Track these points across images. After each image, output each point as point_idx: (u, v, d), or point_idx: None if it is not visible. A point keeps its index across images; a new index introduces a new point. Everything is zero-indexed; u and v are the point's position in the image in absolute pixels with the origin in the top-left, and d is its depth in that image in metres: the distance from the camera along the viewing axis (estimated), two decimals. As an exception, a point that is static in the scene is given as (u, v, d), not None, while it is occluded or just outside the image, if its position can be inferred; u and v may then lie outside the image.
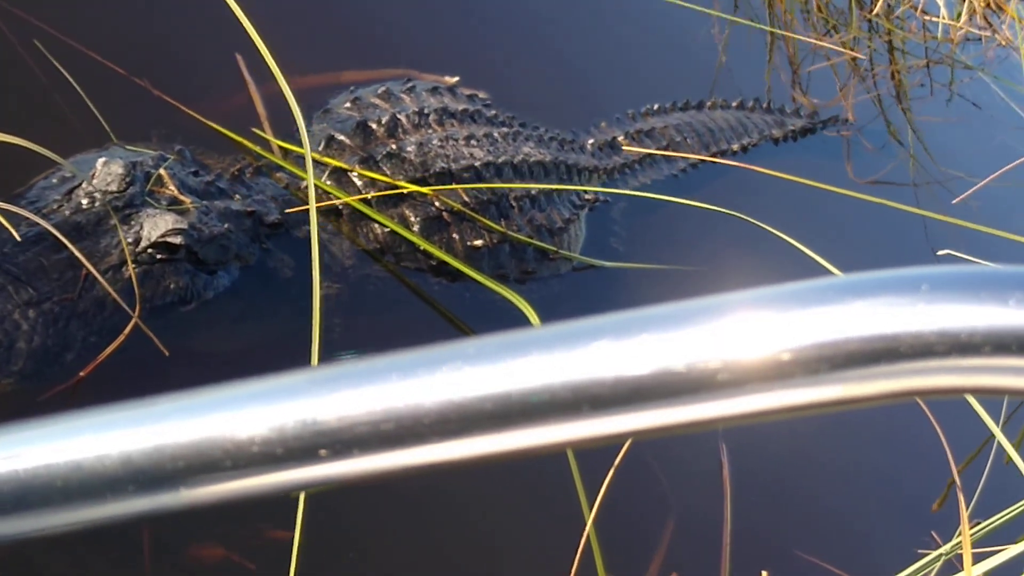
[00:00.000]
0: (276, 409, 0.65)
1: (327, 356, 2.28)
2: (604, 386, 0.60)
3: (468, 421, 0.62)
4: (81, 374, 2.37)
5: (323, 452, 0.64)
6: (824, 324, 0.59)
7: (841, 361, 0.59)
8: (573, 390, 0.61)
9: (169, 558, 2.31)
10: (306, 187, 2.88)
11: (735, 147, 4.06)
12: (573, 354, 0.61)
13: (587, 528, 2.28)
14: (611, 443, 0.61)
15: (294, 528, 2.07)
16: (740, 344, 0.60)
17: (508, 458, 0.64)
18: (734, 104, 4.24)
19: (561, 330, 0.63)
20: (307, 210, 2.72)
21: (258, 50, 2.73)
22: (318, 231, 2.86)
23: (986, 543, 2.34)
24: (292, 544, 2.05)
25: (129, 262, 2.42)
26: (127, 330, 2.41)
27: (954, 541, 2.32)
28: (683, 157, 3.88)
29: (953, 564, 2.32)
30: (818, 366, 0.59)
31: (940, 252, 2.77)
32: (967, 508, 2.28)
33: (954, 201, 3.96)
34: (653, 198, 3.31)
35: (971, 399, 2.48)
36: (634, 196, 3.52)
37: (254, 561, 2.37)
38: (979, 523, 2.40)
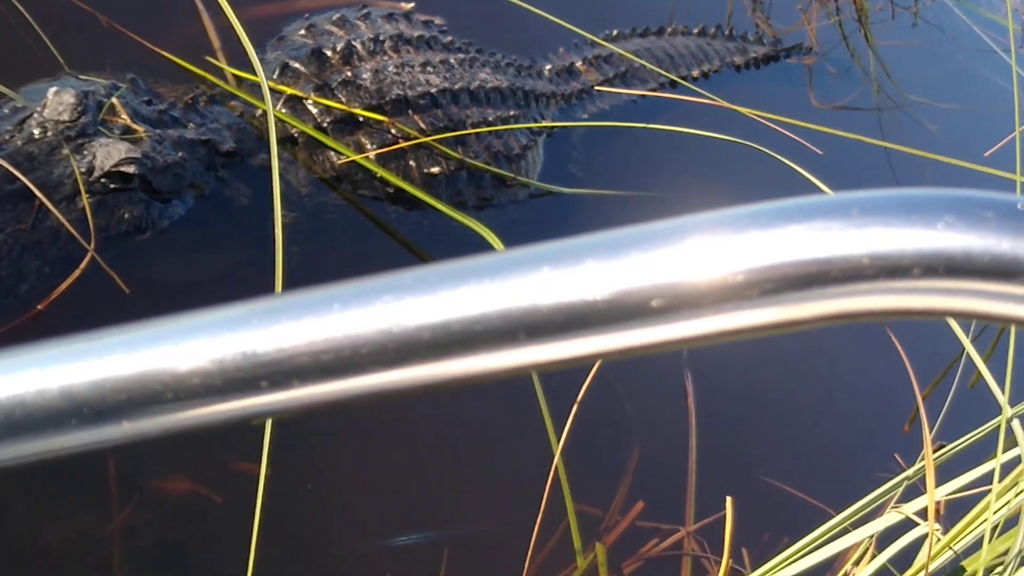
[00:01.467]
0: (216, 341, 0.65)
1: (288, 286, 2.27)
2: (539, 314, 0.61)
3: (406, 351, 0.63)
4: (39, 307, 2.35)
5: (264, 384, 0.64)
6: (758, 248, 0.59)
7: (775, 285, 0.59)
8: (509, 319, 0.61)
9: (136, 492, 2.31)
10: (261, 115, 2.86)
11: (695, 73, 4.04)
12: (509, 283, 0.61)
13: (555, 459, 2.30)
14: (549, 370, 0.61)
15: (260, 460, 2.07)
16: (673, 270, 0.60)
17: (447, 386, 0.64)
18: (695, 31, 4.21)
19: (499, 259, 0.63)
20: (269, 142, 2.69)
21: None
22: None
23: (950, 466, 2.38)
24: (258, 476, 2.05)
25: (83, 191, 2.40)
26: (84, 263, 2.39)
27: (917, 465, 2.36)
28: (642, 81, 3.86)
29: (917, 488, 2.36)
30: (751, 291, 0.59)
31: None
32: (931, 431, 2.31)
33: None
34: (610, 126, 3.30)
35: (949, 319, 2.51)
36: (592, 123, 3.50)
37: (220, 493, 2.38)
38: (943, 445, 2.43)
